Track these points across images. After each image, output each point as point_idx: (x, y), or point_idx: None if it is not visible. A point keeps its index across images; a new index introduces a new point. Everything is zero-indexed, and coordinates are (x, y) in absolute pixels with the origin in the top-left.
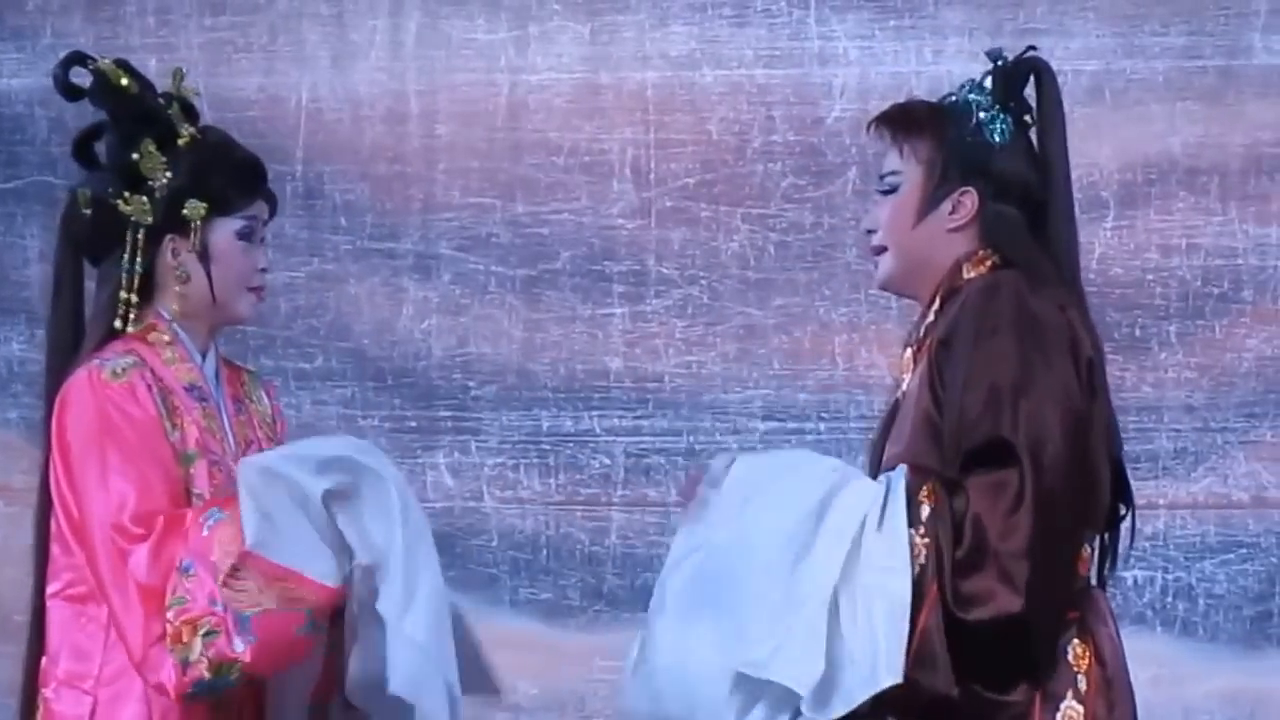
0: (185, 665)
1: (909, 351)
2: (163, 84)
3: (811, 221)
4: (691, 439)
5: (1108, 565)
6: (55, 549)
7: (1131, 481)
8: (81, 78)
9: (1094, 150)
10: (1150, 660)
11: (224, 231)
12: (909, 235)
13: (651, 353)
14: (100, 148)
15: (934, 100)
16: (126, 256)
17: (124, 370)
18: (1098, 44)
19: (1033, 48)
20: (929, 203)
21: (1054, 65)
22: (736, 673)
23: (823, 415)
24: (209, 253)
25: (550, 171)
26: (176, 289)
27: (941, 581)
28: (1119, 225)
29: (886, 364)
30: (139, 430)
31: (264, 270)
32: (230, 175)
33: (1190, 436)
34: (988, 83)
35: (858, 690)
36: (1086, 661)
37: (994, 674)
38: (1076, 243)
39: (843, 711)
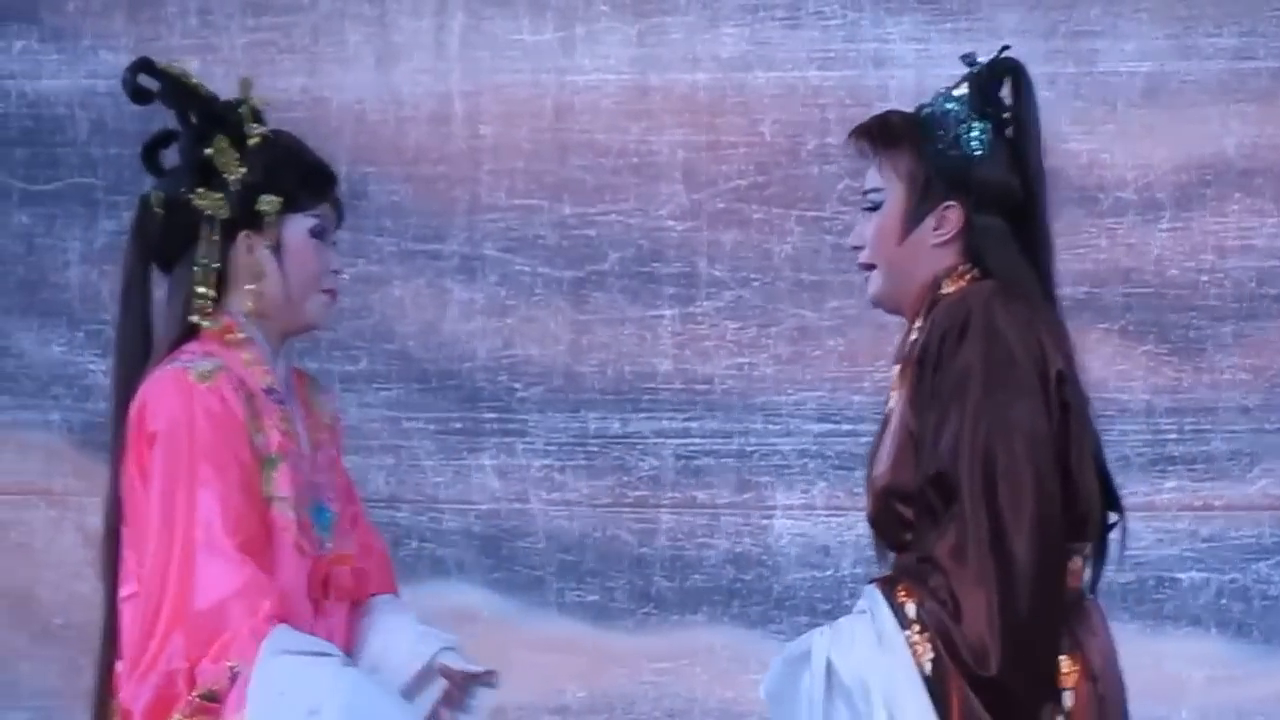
0: None
1: (896, 368)
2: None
3: None
4: (742, 441)
5: (1100, 573)
6: (128, 552)
7: (1183, 482)
8: (150, 83)
9: (1148, 152)
10: (1205, 662)
11: (298, 228)
12: (895, 252)
13: (702, 355)
14: (169, 154)
15: (909, 111)
16: (203, 252)
17: (210, 373)
18: (1151, 46)
19: (1007, 47)
20: (912, 219)
21: (1109, 67)
22: None
23: (878, 417)
24: (283, 249)
25: (598, 173)
26: (250, 287)
27: (959, 660)
28: (1174, 227)
29: None
30: (227, 436)
31: (337, 272)
32: (303, 174)
33: (1245, 438)
34: (962, 90)
35: None
36: (1074, 676)
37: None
38: (1052, 246)
39: None
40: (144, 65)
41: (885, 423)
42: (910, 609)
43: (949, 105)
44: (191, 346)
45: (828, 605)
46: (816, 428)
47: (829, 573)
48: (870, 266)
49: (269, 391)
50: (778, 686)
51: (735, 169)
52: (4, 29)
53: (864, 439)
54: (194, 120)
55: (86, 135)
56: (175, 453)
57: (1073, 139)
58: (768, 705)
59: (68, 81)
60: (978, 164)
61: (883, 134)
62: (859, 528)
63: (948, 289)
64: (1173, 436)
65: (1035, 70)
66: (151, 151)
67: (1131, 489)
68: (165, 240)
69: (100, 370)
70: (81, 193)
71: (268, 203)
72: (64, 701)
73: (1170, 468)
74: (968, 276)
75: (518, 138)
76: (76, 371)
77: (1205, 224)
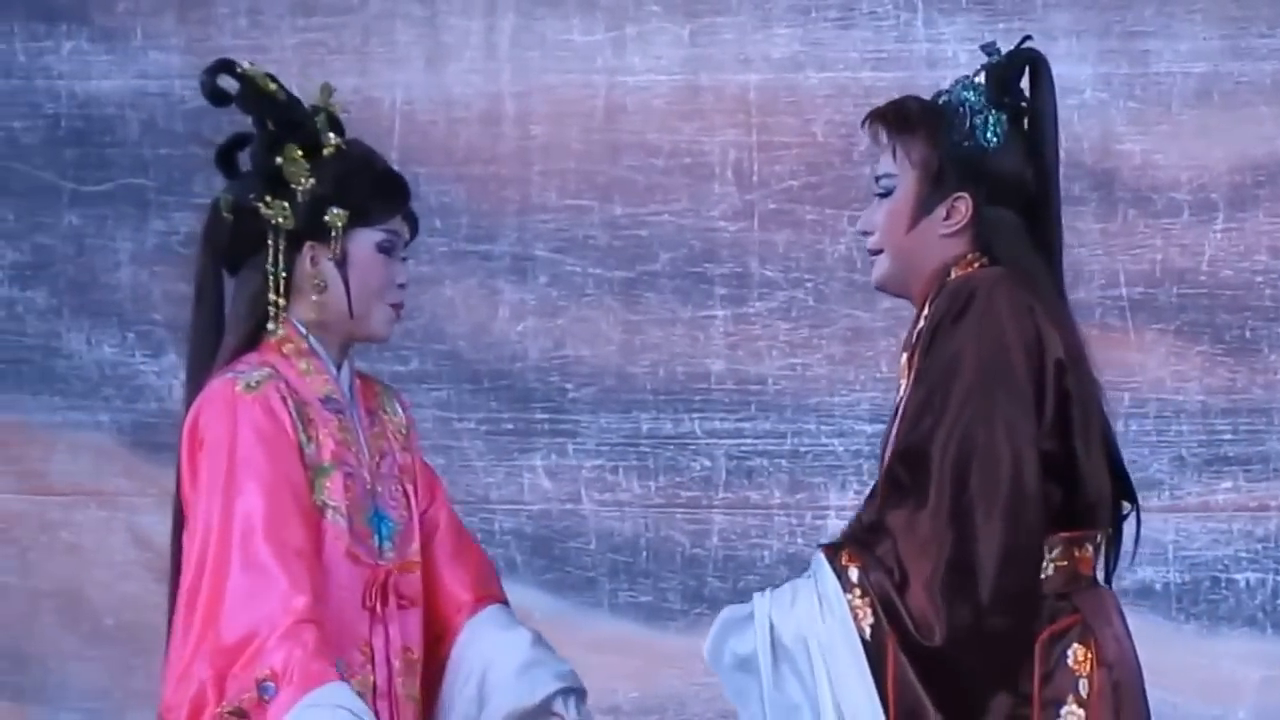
0: None
1: (904, 356)
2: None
3: None
4: (795, 441)
5: (1113, 563)
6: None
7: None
8: (229, 84)
9: (1203, 152)
10: (1261, 661)
11: (364, 242)
12: (904, 239)
13: (754, 355)
14: (243, 157)
15: (927, 99)
16: (270, 260)
17: (258, 383)
18: (1205, 46)
19: (1029, 38)
20: (923, 208)
21: (1163, 67)
22: None
23: None
24: (348, 262)
25: (649, 173)
26: (314, 298)
27: (900, 626)
28: (1228, 227)
29: None
30: (270, 446)
31: (403, 286)
32: (373, 187)
33: None
34: (980, 79)
35: None
36: (1088, 665)
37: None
38: (1063, 240)
39: None
40: (224, 66)
41: (895, 412)
42: (853, 574)
43: (966, 94)
44: (250, 356)
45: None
46: (869, 428)
47: None
48: (878, 251)
49: (325, 400)
50: (718, 648)
51: (787, 169)
52: (54, 29)
53: None
54: (268, 126)
55: (137, 136)
56: (216, 463)
57: (1127, 139)
58: (711, 667)
59: (118, 82)
60: (991, 155)
61: (898, 120)
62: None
63: (955, 276)
64: (1228, 437)
65: (1088, 71)
66: (226, 154)
67: (1187, 489)
68: (232, 245)
69: (151, 371)
70: (132, 193)
71: (334, 216)
72: (114, 702)
73: (1226, 468)
74: (976, 265)
75: (568, 138)
76: (127, 372)
77: (1259, 224)
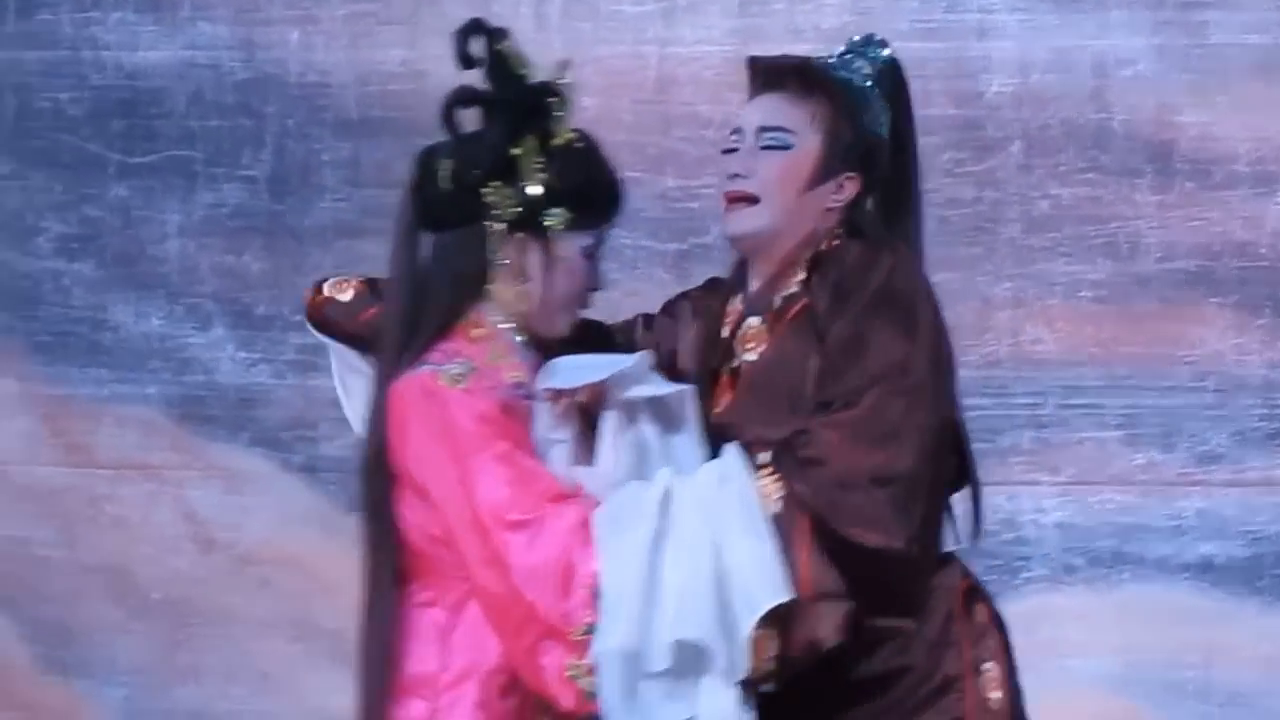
0: (589, 696)
1: (756, 320)
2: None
3: (973, 196)
4: None
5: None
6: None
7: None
8: (476, 49)
9: (1262, 124)
10: None
11: (573, 245)
12: (793, 199)
13: None
14: (465, 117)
15: (821, 64)
16: (488, 246)
17: (461, 376)
18: (1265, 17)
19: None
20: (820, 176)
21: (1221, 38)
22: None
23: (987, 391)
24: (555, 262)
25: (700, 145)
26: (515, 286)
27: (812, 504)
28: None
29: (1052, 340)
30: (482, 427)
31: (595, 289)
32: (595, 194)
33: None
34: (867, 69)
35: (743, 620)
36: (990, 624)
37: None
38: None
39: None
40: (475, 28)
41: (727, 374)
42: (763, 457)
43: (866, 81)
44: (443, 345)
45: None
46: None
47: None
48: (751, 200)
49: (517, 386)
50: (614, 513)
51: None
52: (101, 0)
53: (973, 413)
54: (509, 108)
55: (184, 107)
56: (437, 460)
57: (1185, 111)
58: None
59: (167, 53)
60: (879, 147)
61: (820, 82)
62: (966, 504)
63: (827, 246)
64: None
65: (1143, 42)
66: (452, 110)
67: (1249, 463)
68: (443, 213)
69: (199, 343)
70: (180, 165)
71: (555, 218)
72: (160, 676)
73: None
74: (841, 238)
75: (619, 110)
76: (174, 345)
77: None
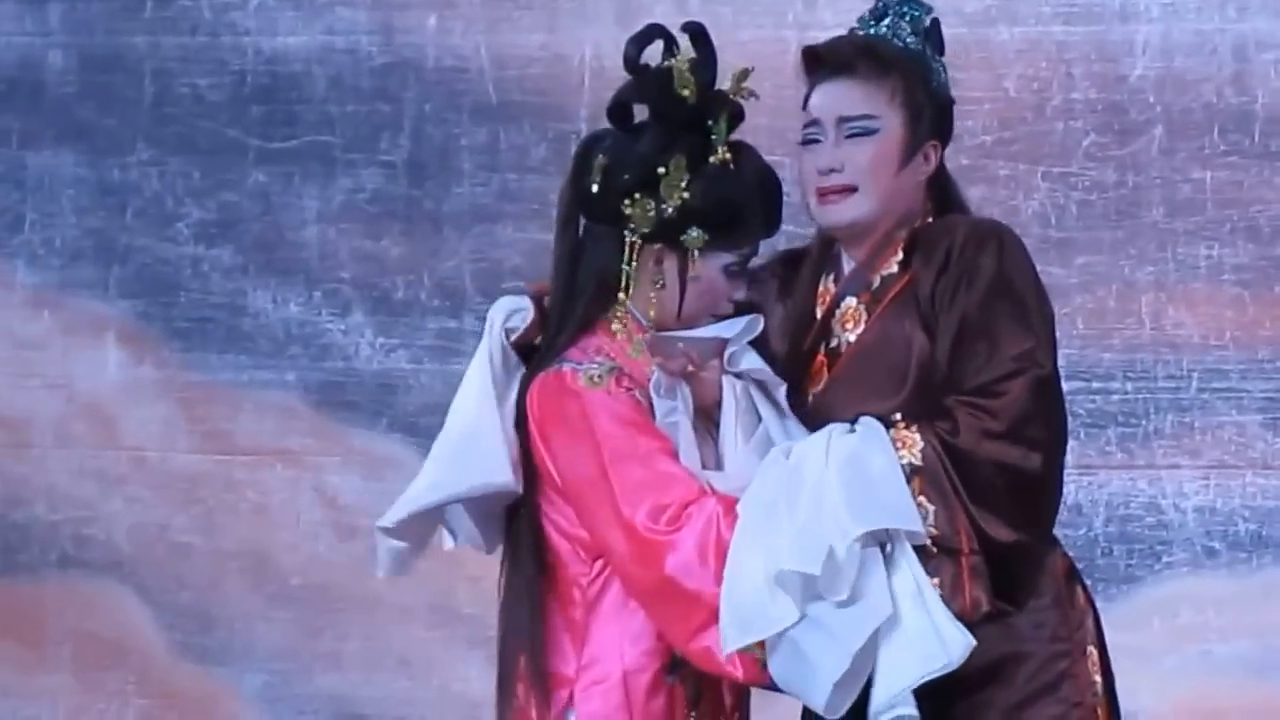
0: (761, 665)
1: (853, 301)
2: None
3: (1115, 180)
4: None
5: None
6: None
7: None
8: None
9: None
10: None
11: (714, 263)
12: (889, 182)
13: None
14: (638, 113)
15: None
16: (625, 256)
17: (601, 376)
18: None
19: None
20: (910, 151)
21: None
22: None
23: (1129, 375)
24: (693, 277)
25: None
26: (650, 294)
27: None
28: None
29: (1194, 323)
30: (623, 425)
31: (734, 301)
32: (742, 215)
33: None
34: (908, 30)
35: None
36: (1087, 606)
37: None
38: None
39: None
40: (657, 34)
41: (825, 356)
42: (897, 418)
43: (919, 45)
44: (584, 340)
45: (1082, 564)
46: (1066, 386)
47: (1081, 531)
48: (851, 190)
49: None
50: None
51: (980, 125)
52: None
53: (1114, 396)
54: (663, 122)
55: (324, 92)
56: (579, 459)
57: None
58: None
59: (305, 38)
60: (950, 107)
61: (891, 61)
62: (1112, 485)
63: (921, 223)
64: None
65: None
66: (626, 107)
67: None
68: (593, 206)
69: (338, 329)
70: (319, 150)
71: (693, 238)
72: (300, 663)
73: None
74: (931, 215)
75: (760, 93)
76: (313, 331)
77: None
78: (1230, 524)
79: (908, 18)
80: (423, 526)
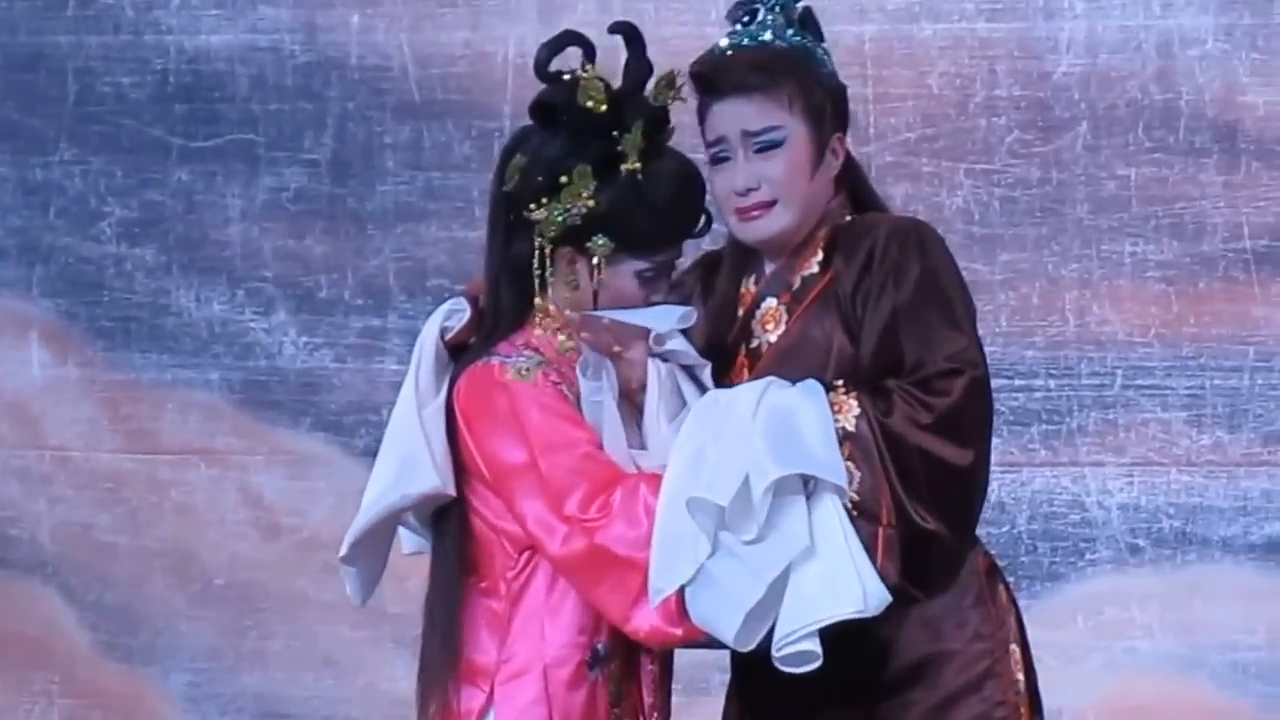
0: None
1: (774, 301)
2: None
3: (1039, 176)
4: None
5: None
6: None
7: None
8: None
9: None
10: None
11: (625, 270)
12: (807, 187)
13: None
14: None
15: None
16: (536, 260)
17: (528, 370)
18: None
19: None
20: (819, 153)
21: None
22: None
23: (1053, 372)
24: (602, 282)
25: None
26: (566, 293)
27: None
28: None
29: (1118, 320)
30: (548, 417)
31: (656, 304)
32: (652, 229)
33: None
34: (782, 21)
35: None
36: (1009, 604)
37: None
38: None
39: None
40: (570, 41)
41: (756, 356)
42: (840, 383)
43: (798, 37)
44: (513, 336)
45: (1004, 561)
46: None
47: (1005, 528)
48: (770, 204)
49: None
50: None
51: (903, 122)
52: None
53: (1038, 393)
54: (571, 133)
55: (247, 91)
56: (506, 451)
57: (1250, 91)
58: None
59: (228, 37)
60: (843, 92)
61: (778, 69)
62: (1035, 483)
63: (839, 220)
64: None
65: (1210, 21)
66: (544, 108)
67: None
68: (511, 204)
69: (261, 328)
70: (242, 149)
71: (597, 245)
72: (225, 662)
73: None
74: (848, 207)
75: (686, 91)
76: (237, 330)
77: None
78: (1154, 521)
79: (777, 8)
80: (377, 542)
